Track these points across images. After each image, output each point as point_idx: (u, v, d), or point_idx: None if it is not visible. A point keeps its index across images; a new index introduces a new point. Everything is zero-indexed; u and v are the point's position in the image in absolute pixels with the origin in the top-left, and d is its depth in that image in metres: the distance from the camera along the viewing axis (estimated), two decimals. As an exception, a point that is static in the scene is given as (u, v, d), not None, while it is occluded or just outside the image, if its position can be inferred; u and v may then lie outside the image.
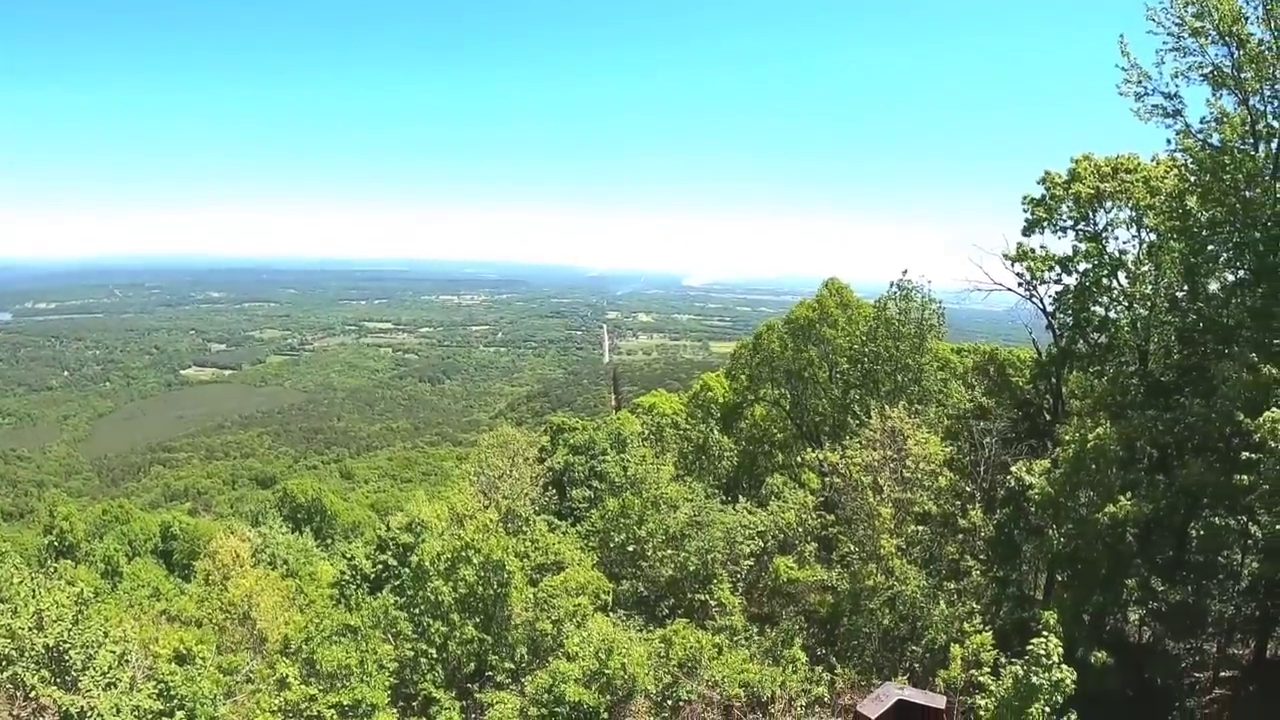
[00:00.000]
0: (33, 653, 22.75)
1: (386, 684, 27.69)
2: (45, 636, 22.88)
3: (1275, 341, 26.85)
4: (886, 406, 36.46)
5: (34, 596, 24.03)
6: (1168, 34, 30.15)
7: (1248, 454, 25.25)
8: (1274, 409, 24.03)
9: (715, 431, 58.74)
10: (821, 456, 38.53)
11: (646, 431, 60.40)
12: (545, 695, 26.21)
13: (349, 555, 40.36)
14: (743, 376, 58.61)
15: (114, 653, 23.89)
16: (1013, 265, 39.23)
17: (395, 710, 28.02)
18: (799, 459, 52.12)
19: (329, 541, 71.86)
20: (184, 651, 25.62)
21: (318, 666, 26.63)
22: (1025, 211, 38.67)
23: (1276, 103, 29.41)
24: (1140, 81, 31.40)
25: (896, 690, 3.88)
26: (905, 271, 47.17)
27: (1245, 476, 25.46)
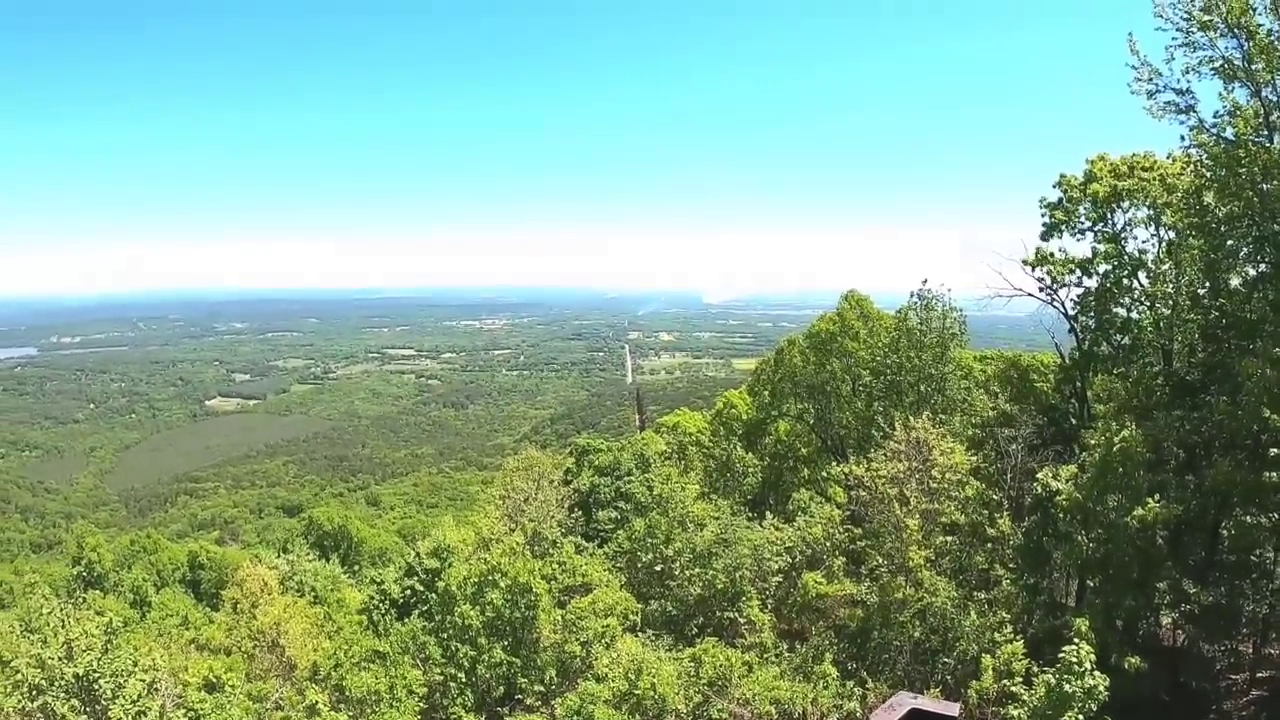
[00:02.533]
0: (63, 682, 22.81)
1: (416, 709, 27.67)
2: (75, 666, 22.93)
3: (1301, 335, 26.53)
4: (910, 417, 36.23)
5: (63, 627, 24.11)
6: (1176, 29, 29.95)
7: (1276, 450, 24.99)
8: (1302, 404, 23.75)
9: (739, 448, 58.57)
10: (847, 470, 38.30)
11: (670, 450, 60.28)
12: (575, 717, 26.12)
13: (378, 580, 40.36)
14: (765, 392, 58.36)
15: (143, 681, 23.90)
16: (1033, 270, 39.11)
17: (425, 735, 28.01)
18: (824, 473, 51.87)
19: (356, 568, 71.87)
20: (213, 680, 25.69)
21: (347, 693, 26.67)
22: (1043, 215, 38.57)
23: (1289, 93, 29.16)
24: (1151, 79, 31.19)
25: (910, 699, 3.77)
26: (925, 281, 47.05)
27: (1275, 474, 25.21)
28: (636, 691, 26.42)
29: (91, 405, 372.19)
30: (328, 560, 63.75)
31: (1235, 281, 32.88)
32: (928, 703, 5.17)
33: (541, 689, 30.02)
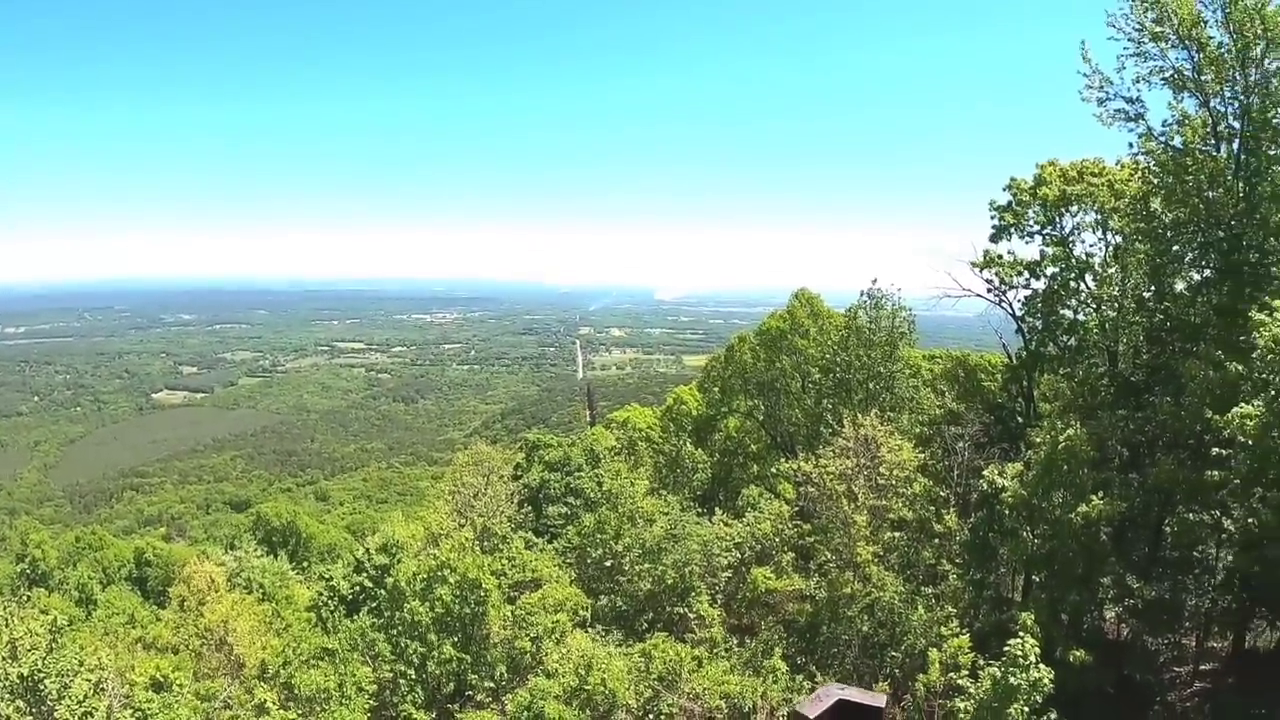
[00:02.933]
0: (7, 683, 22.35)
1: (366, 706, 27.45)
2: (19, 666, 22.47)
3: (1241, 339, 27.09)
4: (859, 415, 36.49)
5: (7, 626, 23.64)
6: (1128, 39, 30.69)
7: (1218, 450, 25.59)
8: (1242, 405, 24.27)
9: (689, 444, 58.75)
10: (796, 466, 38.52)
11: (620, 446, 60.38)
12: (525, 713, 26.03)
13: (326, 577, 40.03)
14: (715, 389, 58.65)
15: (90, 681, 23.47)
16: (981, 272, 39.62)
17: (375, 733, 27.83)
18: (773, 469, 52.12)
19: (305, 564, 71.19)
20: (161, 679, 25.29)
21: (296, 691, 26.38)
22: (993, 218, 39.10)
23: (1237, 104, 29.92)
24: (1102, 87, 31.91)
25: (838, 690, 3.87)
26: (875, 280, 47.34)
27: (1216, 472, 25.83)
28: (587, 687, 26.41)
29: (36, 398, 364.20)
30: (276, 556, 63.06)
31: (1180, 286, 33.67)
32: (855, 693, 5.27)
33: (492, 685, 29.88)
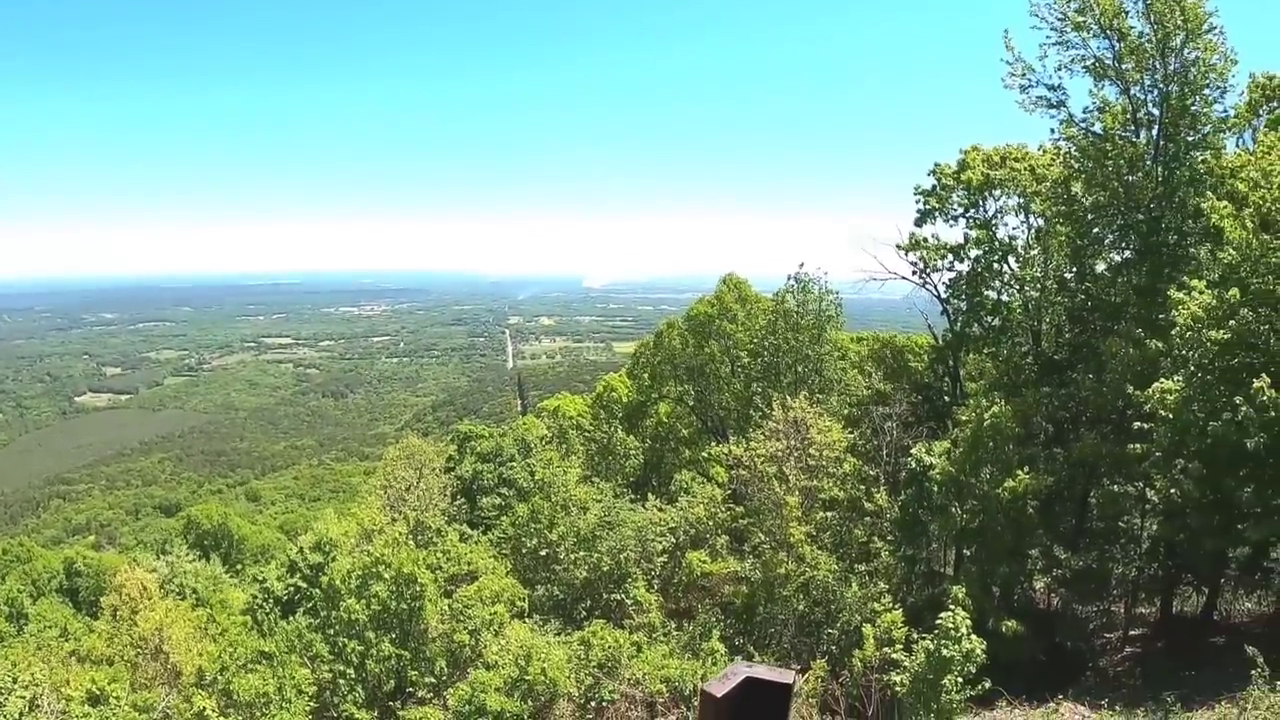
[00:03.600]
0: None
1: (307, 709, 27.14)
2: (-49, 688, 22.04)
3: (1160, 317, 27.92)
4: (788, 397, 36.82)
5: (-63, 645, 23.13)
6: (1051, 28, 31.38)
7: (1139, 424, 26.34)
8: (1162, 380, 24.96)
9: (620, 431, 58.88)
10: (727, 450, 38.83)
11: (552, 435, 60.33)
12: (467, 707, 25.95)
13: (260, 579, 39.54)
14: (645, 375, 58.77)
15: (24, 699, 23.00)
16: (907, 255, 40.15)
17: (317, 735, 27.59)
18: (705, 454, 52.37)
19: (238, 567, 70.24)
20: (97, 692, 24.77)
21: (235, 697, 25.98)
22: (917, 202, 39.63)
23: (1156, 92, 30.75)
24: (1025, 74, 32.60)
25: (745, 668, 3.91)
26: (802, 264, 47.81)
27: (1139, 445, 26.56)
28: (527, 677, 26.35)
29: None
30: (208, 560, 62.15)
31: (1100, 267, 34.57)
32: (763, 671, 5.31)
33: (432, 680, 29.68)
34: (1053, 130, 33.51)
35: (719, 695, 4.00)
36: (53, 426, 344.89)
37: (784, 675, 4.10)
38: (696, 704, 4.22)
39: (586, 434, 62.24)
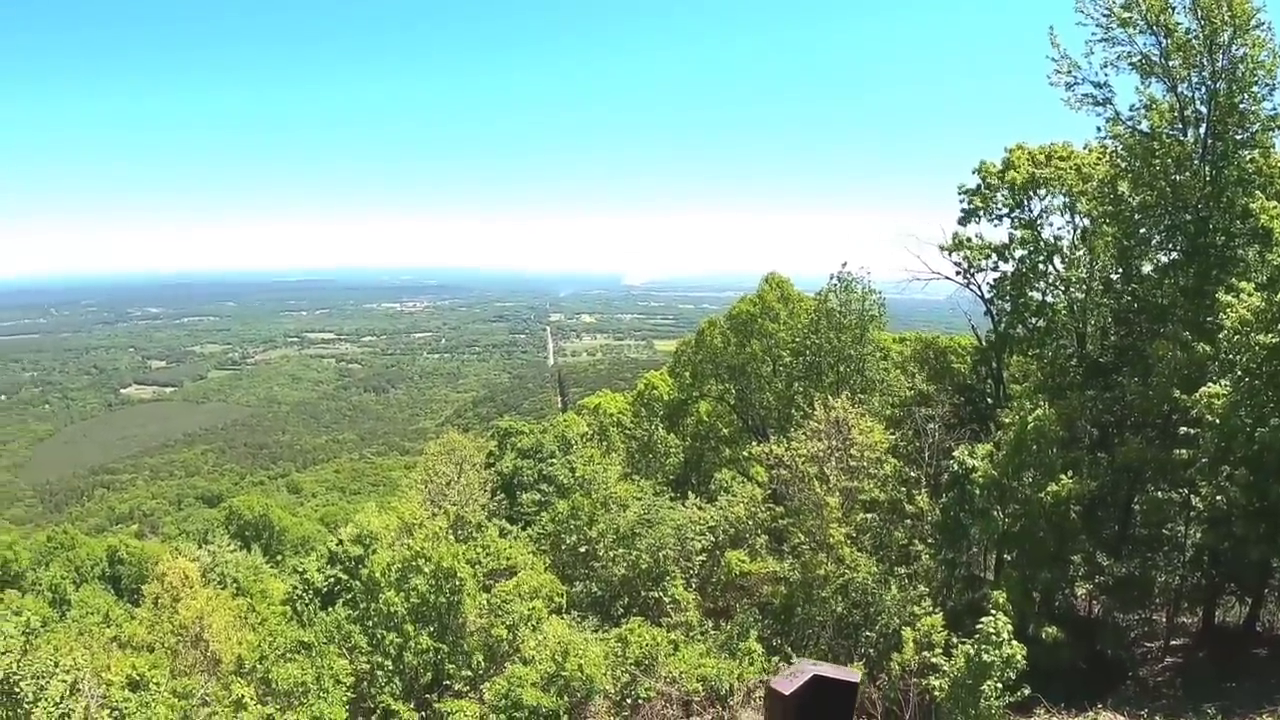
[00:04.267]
0: (-17, 686, 22.22)
1: (344, 699, 27.33)
2: (-6, 669, 22.34)
3: (1208, 319, 27.51)
4: (830, 397, 36.66)
5: (-20, 629, 23.48)
6: (1096, 25, 30.92)
7: (1185, 429, 25.97)
8: (1209, 384, 24.62)
9: (661, 429, 58.89)
10: (768, 449, 38.68)
11: (592, 432, 60.45)
12: (504, 701, 26.06)
13: (300, 570, 39.89)
14: (687, 373, 58.77)
15: (65, 682, 23.24)
16: (950, 255, 39.88)
17: (354, 724, 27.76)
18: (745, 453, 52.23)
19: (279, 558, 70.96)
20: (137, 678, 25.08)
21: (274, 685, 26.23)
22: (961, 201, 39.31)
23: (1204, 89, 30.22)
24: (1070, 71, 32.15)
25: (811, 666, 3.91)
26: (845, 264, 47.53)
27: (1184, 451, 26.19)
28: (564, 673, 26.44)
29: (2, 396, 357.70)
30: (249, 550, 62.86)
31: (1147, 268, 34.07)
32: (829, 669, 5.24)
33: (469, 674, 29.82)
34: (1099, 128, 33.10)
35: (787, 693, 4.02)
36: (98, 418, 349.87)
37: (851, 674, 4.12)
38: (764, 701, 4.21)
39: (627, 431, 62.32)
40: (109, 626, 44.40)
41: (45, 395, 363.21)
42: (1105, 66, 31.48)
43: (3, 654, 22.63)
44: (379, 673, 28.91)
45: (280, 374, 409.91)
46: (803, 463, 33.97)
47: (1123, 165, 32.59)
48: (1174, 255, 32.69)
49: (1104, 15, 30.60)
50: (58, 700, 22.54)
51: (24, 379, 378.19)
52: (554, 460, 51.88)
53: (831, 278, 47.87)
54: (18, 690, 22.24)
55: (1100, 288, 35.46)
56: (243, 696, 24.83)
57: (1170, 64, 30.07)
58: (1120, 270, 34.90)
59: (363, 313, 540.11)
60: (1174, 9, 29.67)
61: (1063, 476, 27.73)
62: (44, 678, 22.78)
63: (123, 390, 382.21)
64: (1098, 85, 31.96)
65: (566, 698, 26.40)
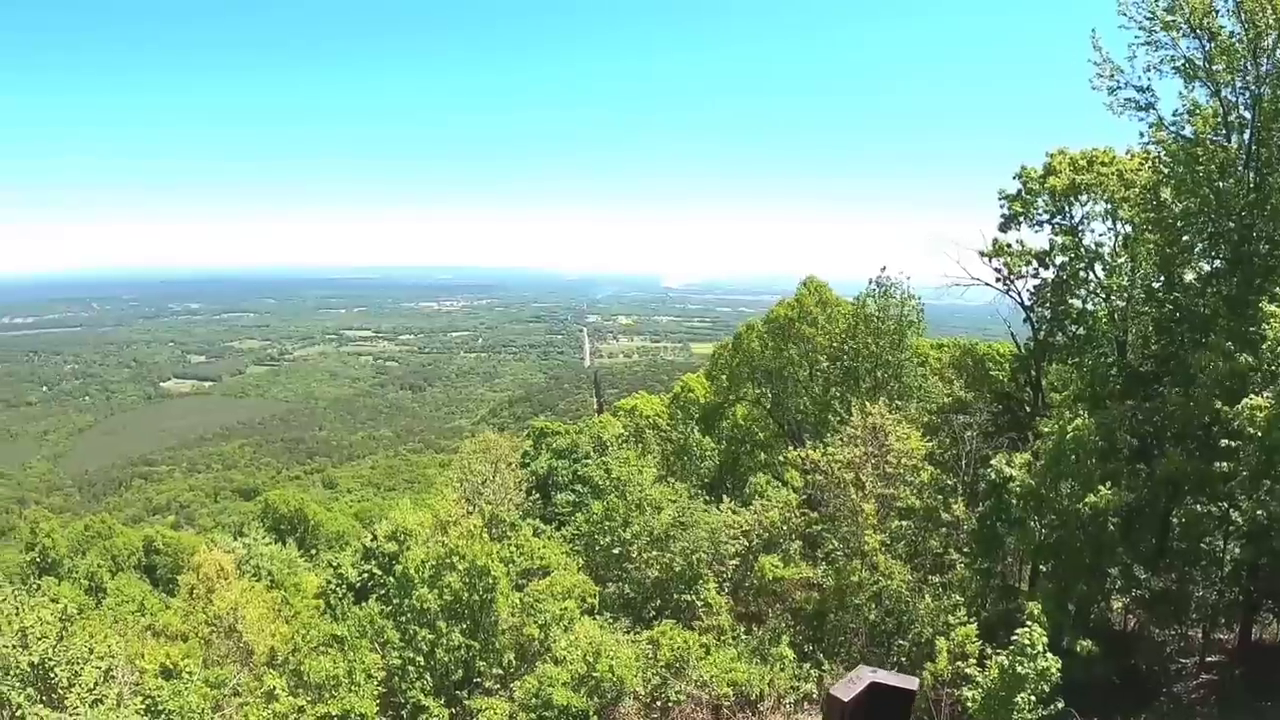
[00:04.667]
0: (18, 671, 22.51)
1: (375, 693, 27.60)
2: (30, 654, 22.60)
3: (1251, 330, 27.07)
4: (867, 403, 36.50)
5: (17, 614, 23.78)
6: (1139, 28, 30.50)
7: (1227, 441, 25.55)
8: (1251, 396, 24.27)
9: (697, 432, 58.87)
10: (803, 454, 38.55)
11: (628, 434, 60.52)
12: (534, 700, 26.21)
13: (335, 564, 40.24)
14: (723, 377, 58.66)
15: (99, 669, 23.62)
16: (990, 261, 39.56)
17: (384, 719, 27.94)
18: (781, 457, 52.16)
19: (313, 552, 71.57)
20: (170, 666, 25.43)
21: (305, 677, 26.55)
22: (1002, 207, 38.95)
23: (1248, 94, 29.74)
24: (1113, 75, 31.77)
25: (869, 673, 3.94)
26: (884, 268, 47.32)
27: (1225, 464, 25.80)
28: (595, 674, 26.54)
29: (44, 388, 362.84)
30: (284, 544, 63.41)
31: (1189, 276, 33.55)
32: (887, 676, 5.20)
33: (500, 672, 30.03)
34: (1141, 134, 32.60)
35: (846, 699, 4.04)
36: (138, 410, 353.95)
37: (909, 681, 4.14)
38: (823, 707, 4.25)
39: (663, 434, 62.33)
40: (144, 615, 45.06)
41: (86, 387, 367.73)
42: (1148, 70, 31.06)
43: (39, 639, 23.00)
44: (410, 668, 29.15)
45: (318, 370, 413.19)
46: (839, 468, 33.83)
47: (1165, 171, 32.14)
48: (1217, 263, 32.26)
49: (1147, 18, 30.20)
50: (92, 686, 22.90)
51: (65, 371, 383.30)
52: (589, 461, 52.04)
53: (870, 282, 47.69)
54: (53, 675, 22.60)
55: (1142, 296, 35.05)
56: (274, 688, 25.16)
57: (1214, 68, 29.61)
58: (1162, 278, 34.47)
59: (401, 311, 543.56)
60: (1217, 12, 29.23)
61: (1101, 488, 27.41)
62: (79, 663, 23.17)
63: (162, 384, 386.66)
64: (1140, 89, 31.54)
65: (597, 698, 26.54)
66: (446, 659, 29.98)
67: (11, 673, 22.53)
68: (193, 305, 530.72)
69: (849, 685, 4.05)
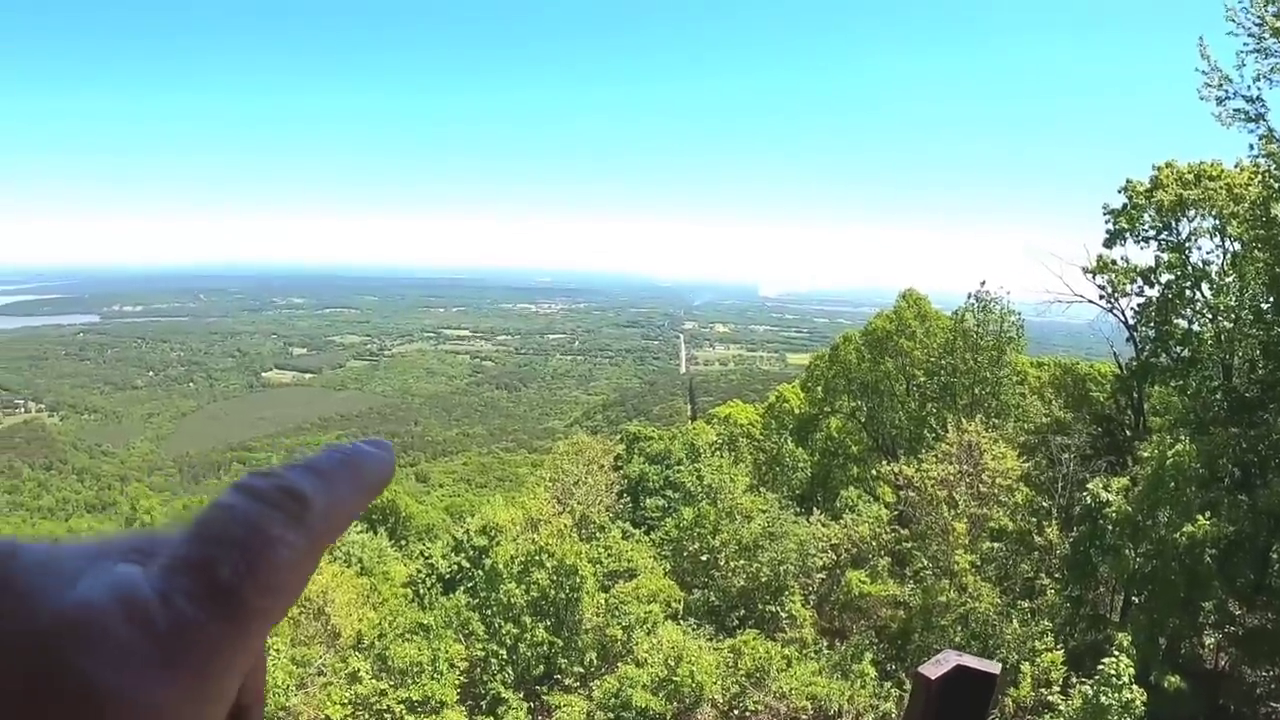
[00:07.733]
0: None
1: (456, 682, 28.13)
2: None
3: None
4: (963, 420, 36.09)
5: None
6: (1248, 35, 29.49)
7: (1333, 474, 24.75)
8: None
9: (790, 443, 58.66)
10: (896, 470, 38.22)
11: (721, 441, 60.52)
12: (613, 700, 26.48)
13: (426, 555, 41.00)
14: (818, 388, 58.39)
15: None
16: (1094, 277, 38.80)
17: (463, 708, 28.48)
18: (874, 472, 51.69)
19: (403, 542, 72.81)
20: (259, 641, 26.20)
21: (390, 662, 27.20)
22: (1106, 221, 38.16)
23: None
24: (1221, 85, 30.76)
25: (956, 656, 4.03)
26: (984, 282, 46.64)
27: (1330, 498, 24.98)
28: (675, 678, 26.72)
29: (151, 373, 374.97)
30: (375, 533, 64.67)
31: (1301, 298, 32.47)
32: (972, 660, 5.21)
33: (581, 670, 30.42)
34: (1251, 146, 31.34)
35: (933, 677, 4.15)
36: (239, 398, 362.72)
37: (992, 666, 4.24)
38: (911, 685, 4.38)
39: (756, 443, 62.25)
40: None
41: (191, 374, 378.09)
42: (1258, 79, 29.90)
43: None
44: (493, 660, 29.72)
45: (416, 367, 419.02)
46: (932, 485, 33.54)
47: (1276, 186, 31.17)
48: (1330, 286, 31.21)
49: (1256, 24, 29.19)
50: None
51: (172, 358, 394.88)
52: (681, 467, 52.14)
53: (969, 296, 47.08)
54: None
55: (1250, 317, 33.91)
56: (358, 670, 25.82)
57: (1328, 77, 28.71)
58: (1271, 299, 33.35)
59: (499, 312, 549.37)
60: (1329, 19, 28.29)
61: (1200, 517, 26.64)
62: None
63: (264, 374, 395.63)
64: (1249, 100, 30.44)
65: (675, 703, 26.71)
66: (529, 654, 30.47)
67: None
68: (296, 300, 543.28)
69: (936, 666, 4.16)
